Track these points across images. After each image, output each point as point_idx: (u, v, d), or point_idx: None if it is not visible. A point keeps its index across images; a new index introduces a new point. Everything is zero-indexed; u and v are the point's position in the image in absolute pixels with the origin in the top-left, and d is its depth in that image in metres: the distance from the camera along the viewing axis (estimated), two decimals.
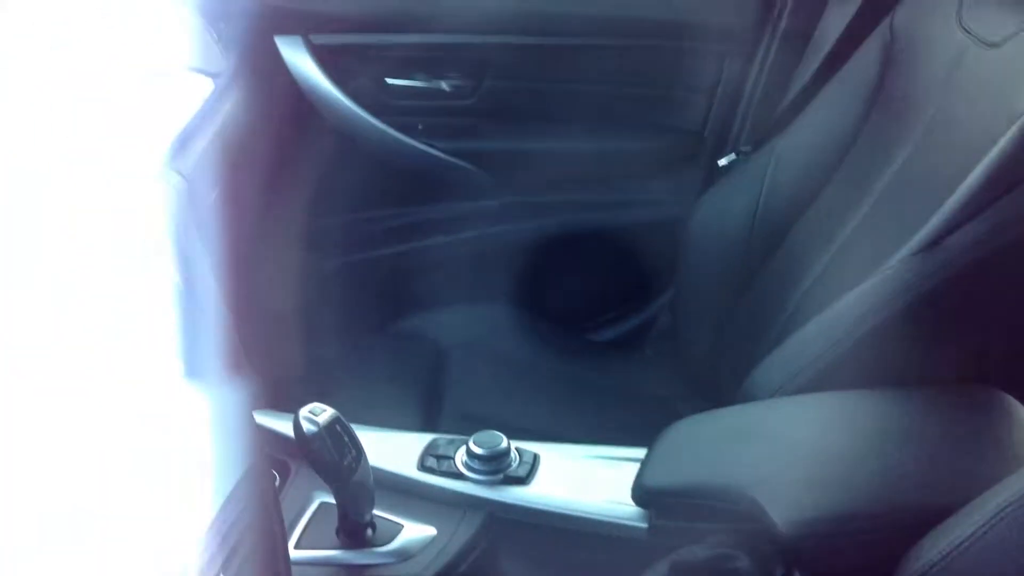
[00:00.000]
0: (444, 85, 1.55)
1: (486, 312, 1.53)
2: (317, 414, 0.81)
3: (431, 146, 1.53)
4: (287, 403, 0.82)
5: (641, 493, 0.87)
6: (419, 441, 0.99)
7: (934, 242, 0.93)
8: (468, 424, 1.14)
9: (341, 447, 0.81)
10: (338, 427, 0.81)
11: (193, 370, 0.62)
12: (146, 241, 0.80)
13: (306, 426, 0.80)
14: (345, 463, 0.81)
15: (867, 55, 1.26)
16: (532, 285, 1.59)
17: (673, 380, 1.52)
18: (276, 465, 0.97)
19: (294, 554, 0.88)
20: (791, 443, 0.87)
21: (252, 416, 0.68)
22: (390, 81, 1.53)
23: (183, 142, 1.10)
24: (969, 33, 1.06)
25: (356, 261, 1.57)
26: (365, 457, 0.83)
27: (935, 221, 0.94)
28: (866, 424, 0.88)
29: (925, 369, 0.96)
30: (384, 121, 1.50)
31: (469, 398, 1.34)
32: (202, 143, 1.14)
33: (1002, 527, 0.64)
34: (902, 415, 0.89)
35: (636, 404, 1.45)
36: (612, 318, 1.68)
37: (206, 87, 1.23)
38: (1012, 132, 0.90)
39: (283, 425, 0.95)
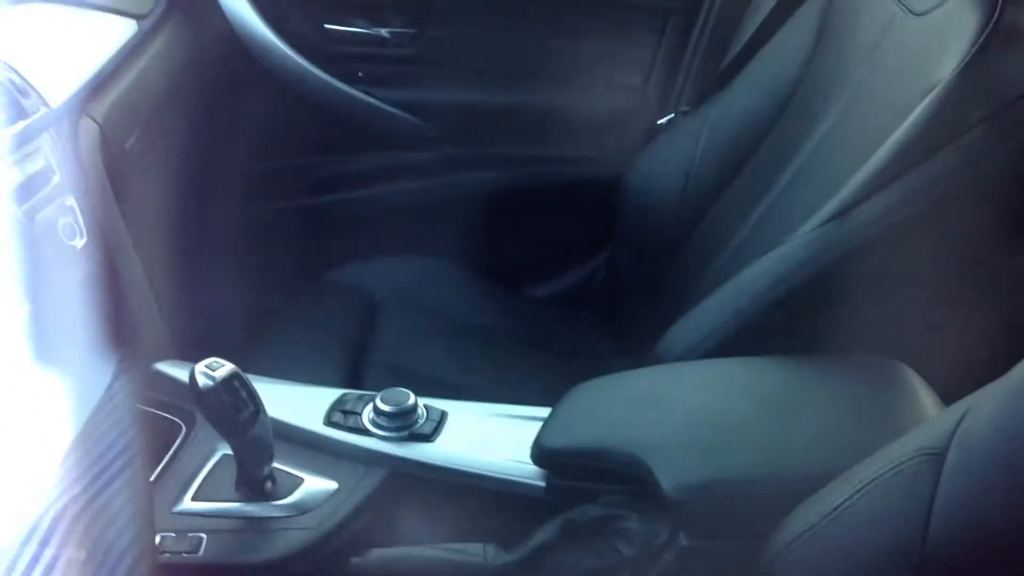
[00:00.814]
0: (385, 32, 1.53)
1: (422, 265, 1.52)
2: (214, 368, 0.80)
3: (371, 95, 1.51)
4: (210, 353, 0.82)
5: (539, 453, 0.88)
6: (329, 396, 0.99)
7: (844, 211, 0.93)
8: (393, 378, 1.15)
9: (238, 402, 0.80)
10: (236, 382, 0.80)
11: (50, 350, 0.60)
12: None
13: (201, 380, 0.79)
14: (241, 418, 0.81)
15: (805, 20, 1.25)
16: (470, 239, 1.58)
17: (608, 338, 1.53)
18: (181, 415, 0.97)
19: (192, 505, 0.88)
20: (686, 408, 0.87)
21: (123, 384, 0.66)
22: (329, 27, 1.50)
23: (98, 86, 1.07)
24: (900, 1, 1.05)
25: (290, 209, 1.56)
26: (264, 412, 0.83)
27: (847, 190, 0.94)
28: (760, 391, 0.89)
29: (830, 338, 0.97)
30: (323, 68, 1.48)
31: (398, 352, 1.33)
32: (120, 87, 1.11)
33: (872, 496, 0.66)
34: (797, 383, 0.90)
35: (570, 362, 1.45)
36: (550, 275, 1.67)
37: (129, 29, 1.19)
38: (925, 103, 0.90)
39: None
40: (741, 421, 0.85)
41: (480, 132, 1.57)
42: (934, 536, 0.60)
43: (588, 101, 1.59)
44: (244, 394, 0.81)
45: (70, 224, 0.92)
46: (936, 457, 0.61)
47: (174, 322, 1.08)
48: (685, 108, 1.50)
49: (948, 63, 0.89)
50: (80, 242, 0.93)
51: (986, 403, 0.60)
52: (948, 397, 0.67)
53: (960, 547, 0.58)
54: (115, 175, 1.05)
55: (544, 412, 0.93)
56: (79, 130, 1.01)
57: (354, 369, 1.29)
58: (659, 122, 1.51)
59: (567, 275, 1.67)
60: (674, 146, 1.39)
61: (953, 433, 0.61)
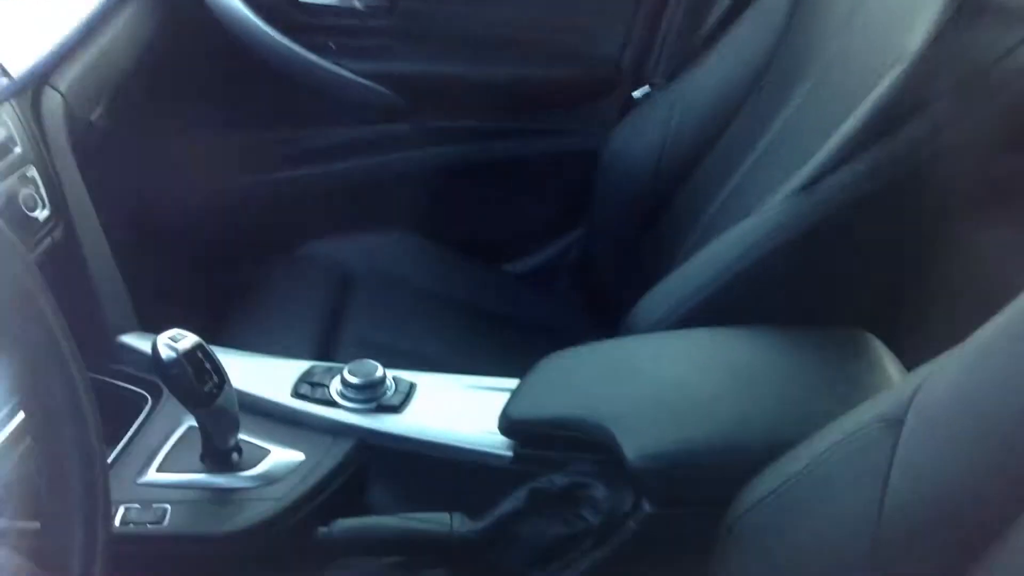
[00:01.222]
0: (357, 3, 1.51)
1: (395, 240, 1.51)
2: (177, 340, 0.80)
3: (343, 67, 1.50)
4: (180, 327, 0.81)
5: (506, 423, 0.88)
6: (297, 368, 0.98)
7: (813, 183, 0.93)
8: (364, 352, 1.14)
9: (202, 374, 0.80)
10: (199, 353, 0.80)
11: None
12: None
13: (164, 352, 0.79)
14: (206, 390, 0.80)
15: None
16: (444, 213, 1.57)
17: (582, 313, 1.53)
18: (146, 387, 0.96)
19: (157, 477, 0.87)
20: (652, 378, 0.88)
21: None
22: None
23: (63, 57, 1.06)
24: None
25: (261, 182, 1.54)
26: (229, 384, 0.82)
27: (816, 161, 0.94)
28: (727, 362, 0.89)
29: (799, 310, 0.97)
30: (294, 40, 1.46)
31: (369, 326, 1.32)
32: (85, 59, 1.10)
33: (831, 463, 0.66)
34: (764, 353, 0.90)
35: (544, 336, 1.45)
36: (525, 249, 1.67)
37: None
38: (894, 74, 0.90)
39: None
40: (707, 391, 0.85)
41: (454, 105, 1.56)
42: (891, 501, 0.60)
43: (563, 74, 1.59)
44: (208, 365, 0.81)
45: (31, 195, 0.91)
46: (894, 424, 0.61)
47: (142, 295, 1.07)
48: (660, 81, 1.49)
49: (917, 34, 0.88)
50: (42, 213, 0.92)
51: (943, 371, 0.60)
52: (914, 367, 0.67)
53: (917, 512, 0.59)
54: (80, 147, 1.04)
55: (513, 383, 0.93)
56: (42, 101, 1.00)
57: (325, 343, 1.28)
58: (634, 95, 1.50)
59: (542, 249, 1.66)
60: (649, 119, 1.38)
61: (911, 400, 0.61)
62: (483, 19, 1.55)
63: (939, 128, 0.88)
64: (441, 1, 1.54)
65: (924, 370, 0.63)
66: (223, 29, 1.41)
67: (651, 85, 1.51)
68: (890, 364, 0.87)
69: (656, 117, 1.35)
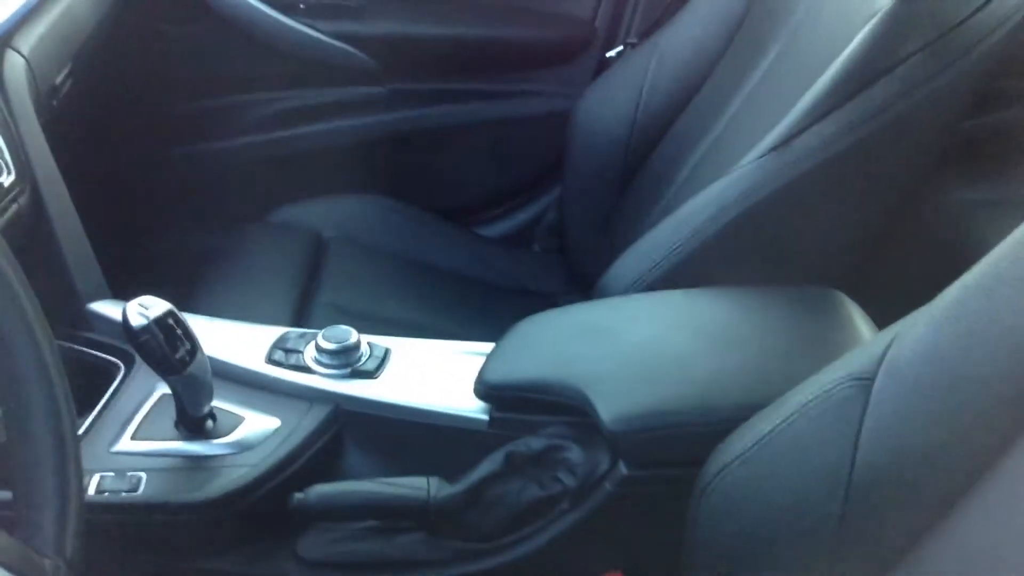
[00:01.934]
0: None
1: (369, 204, 1.50)
2: (148, 306, 0.79)
3: (314, 28, 1.48)
4: (152, 294, 0.80)
5: (482, 387, 0.88)
6: (271, 334, 0.98)
7: (784, 143, 0.93)
8: (340, 317, 1.13)
9: (173, 340, 0.79)
10: (170, 320, 0.79)
11: None
12: None
13: (134, 319, 0.78)
14: (177, 357, 0.80)
15: None
16: (418, 177, 1.57)
17: (559, 276, 1.53)
18: (119, 355, 0.95)
19: (131, 445, 0.87)
20: (627, 340, 0.88)
21: None
22: None
23: (24, 19, 1.03)
24: None
25: (232, 147, 1.52)
26: (201, 351, 0.82)
27: (787, 121, 0.94)
28: (700, 323, 0.89)
29: (771, 270, 0.98)
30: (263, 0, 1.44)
31: (344, 291, 1.32)
32: (47, 21, 1.07)
33: (802, 422, 0.67)
34: (737, 314, 0.90)
35: (519, 300, 1.45)
36: (501, 213, 1.66)
37: None
38: (864, 32, 0.90)
39: None
40: (681, 352, 0.85)
41: (426, 66, 1.54)
42: (862, 460, 0.61)
43: (537, 34, 1.57)
44: (180, 332, 0.80)
45: None
46: (864, 383, 0.62)
47: (113, 263, 1.06)
48: (634, 40, 1.48)
49: None
50: (7, 179, 0.90)
51: (913, 328, 0.61)
52: (885, 326, 0.68)
53: (887, 469, 0.60)
54: (44, 111, 1.02)
55: (488, 347, 0.93)
56: (4, 64, 0.98)
57: (300, 309, 1.27)
58: (608, 55, 1.49)
59: (516, 212, 1.66)
60: (623, 79, 1.37)
61: (881, 358, 0.61)
62: None
63: (909, 87, 0.88)
64: None
65: (894, 328, 0.63)
66: None
67: (625, 45, 1.50)
68: (862, 323, 0.87)
69: (630, 77, 1.35)
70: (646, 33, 1.43)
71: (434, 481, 0.86)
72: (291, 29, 1.46)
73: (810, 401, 0.66)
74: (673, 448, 0.80)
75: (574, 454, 0.84)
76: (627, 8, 1.53)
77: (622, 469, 0.81)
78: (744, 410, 0.73)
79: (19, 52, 1.00)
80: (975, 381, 0.54)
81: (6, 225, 0.87)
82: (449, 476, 0.87)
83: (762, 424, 0.69)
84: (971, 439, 0.55)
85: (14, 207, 0.90)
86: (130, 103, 1.28)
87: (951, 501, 0.55)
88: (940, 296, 0.60)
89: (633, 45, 1.47)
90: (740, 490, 0.69)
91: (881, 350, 0.62)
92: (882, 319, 0.87)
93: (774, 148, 0.93)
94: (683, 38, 1.30)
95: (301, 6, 1.48)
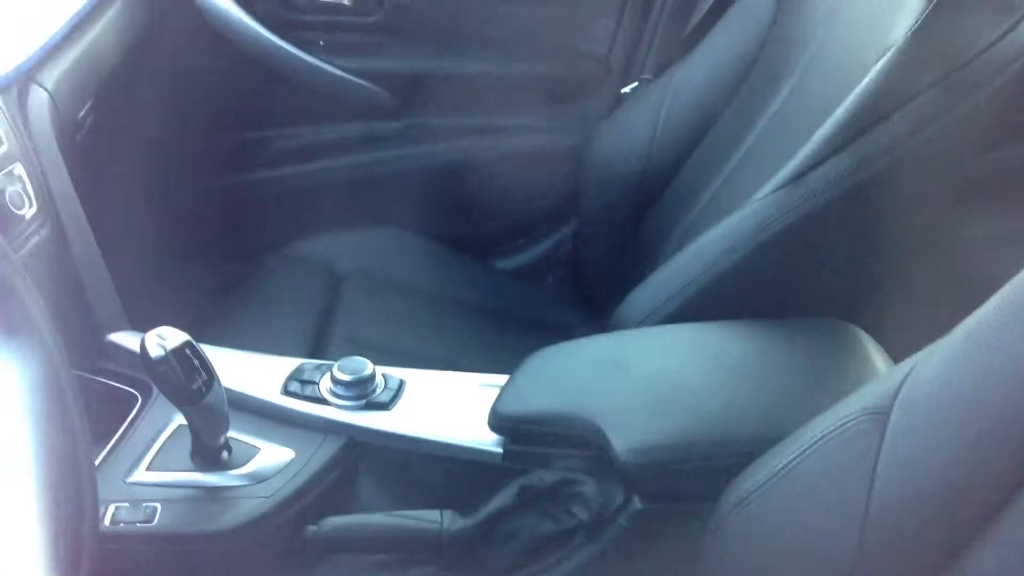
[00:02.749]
0: (347, 0, 1.51)
1: (385, 237, 1.51)
2: (166, 337, 0.79)
3: (332, 64, 1.49)
4: (170, 325, 0.81)
5: (496, 419, 0.88)
6: (288, 365, 0.98)
7: (798, 177, 0.93)
8: (355, 350, 1.14)
9: (190, 371, 0.80)
10: (187, 350, 0.80)
11: None
12: None
13: (153, 349, 0.78)
14: (194, 387, 0.80)
15: None
16: (435, 210, 1.58)
17: (573, 309, 1.53)
18: (136, 386, 0.96)
19: (146, 476, 0.87)
20: (641, 373, 0.88)
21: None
22: None
23: (49, 54, 1.05)
24: None
25: (251, 181, 1.54)
26: (218, 382, 0.82)
27: (802, 155, 0.94)
28: (715, 356, 0.89)
29: (786, 303, 0.97)
30: (283, 37, 1.46)
31: (361, 324, 1.32)
32: (71, 56, 1.09)
33: (817, 456, 0.66)
34: (752, 347, 0.90)
35: (535, 333, 1.45)
36: (517, 246, 1.67)
37: None
38: (879, 66, 0.90)
39: None
40: (696, 385, 0.85)
41: (443, 102, 1.56)
42: (879, 494, 0.60)
43: (552, 70, 1.59)
44: (196, 363, 0.80)
45: (18, 193, 0.90)
46: (880, 416, 0.61)
47: (132, 294, 1.07)
48: (649, 76, 1.50)
49: (900, 27, 0.88)
50: (29, 211, 0.92)
51: (929, 362, 0.60)
52: (900, 360, 0.67)
53: (904, 504, 0.59)
54: (67, 144, 1.04)
55: (502, 379, 0.93)
56: (28, 98, 1.00)
57: (315, 342, 1.28)
58: (623, 90, 1.50)
59: (532, 246, 1.67)
60: (637, 114, 1.38)
61: (896, 392, 0.61)
62: (472, 16, 1.54)
63: (923, 122, 0.88)
64: None
65: (910, 362, 0.63)
66: (211, 26, 1.41)
67: (639, 80, 1.51)
68: (877, 356, 0.87)
69: (644, 113, 1.36)
70: (660, 69, 1.44)
71: (447, 514, 0.86)
72: (311, 65, 1.48)
73: (825, 435, 0.65)
74: (687, 481, 0.79)
75: (588, 488, 0.83)
76: (642, 44, 1.54)
77: (636, 503, 0.81)
78: (759, 444, 0.72)
79: (43, 87, 1.02)
80: (991, 414, 0.54)
81: (28, 256, 0.88)
82: (463, 508, 0.86)
83: (777, 458, 0.68)
84: (989, 472, 0.54)
85: (36, 239, 0.92)
86: (151, 137, 1.30)
87: (969, 536, 0.55)
88: (955, 329, 0.60)
89: (648, 81, 1.48)
90: (755, 525, 0.68)
91: (897, 384, 0.61)
92: (896, 352, 0.87)
93: (788, 182, 0.94)
94: (697, 74, 1.31)
95: (321, 43, 1.50)
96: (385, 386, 0.95)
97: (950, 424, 0.57)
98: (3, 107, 0.95)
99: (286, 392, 0.95)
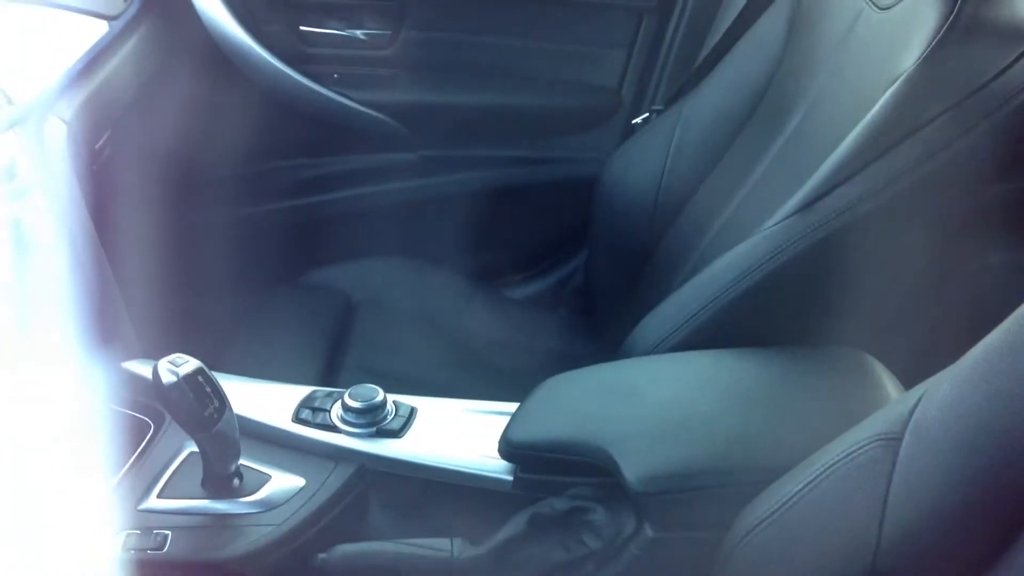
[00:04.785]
0: (360, 34, 1.53)
1: (400, 267, 1.52)
2: (178, 364, 0.80)
3: (346, 96, 1.51)
4: (185, 353, 0.82)
5: (506, 447, 0.88)
6: (299, 393, 0.99)
7: (807, 205, 0.93)
8: (367, 378, 1.14)
9: (202, 398, 0.80)
10: (200, 378, 0.80)
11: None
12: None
13: (165, 376, 0.79)
14: (206, 414, 0.81)
15: (775, 16, 1.26)
16: (447, 241, 1.58)
17: (585, 338, 1.53)
18: (150, 413, 0.97)
19: (158, 503, 0.87)
20: (652, 401, 0.88)
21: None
22: (304, 28, 1.50)
23: (67, 86, 1.07)
24: None
25: (266, 212, 1.55)
26: (230, 409, 0.83)
27: (812, 183, 0.94)
28: (726, 384, 0.89)
29: (796, 331, 0.97)
30: (298, 70, 1.48)
31: (374, 353, 1.33)
32: (89, 88, 1.11)
33: (829, 482, 0.66)
34: (763, 375, 0.90)
35: (546, 361, 1.45)
36: (529, 275, 1.68)
37: (100, 30, 1.19)
38: (887, 96, 0.90)
39: None
40: (706, 413, 0.85)
41: (456, 134, 1.57)
42: (891, 520, 0.60)
43: (564, 101, 1.60)
44: (208, 390, 0.81)
45: (35, 222, 0.91)
46: (892, 442, 0.61)
47: (148, 322, 1.08)
48: (660, 107, 1.51)
49: (910, 56, 0.89)
50: (46, 241, 0.93)
51: (940, 388, 0.60)
52: (912, 385, 0.67)
53: (917, 530, 0.59)
54: (84, 175, 1.05)
55: (512, 407, 0.93)
56: (46, 129, 1.01)
57: (328, 370, 1.29)
58: (634, 121, 1.51)
59: (545, 276, 1.68)
60: (649, 145, 1.39)
61: (908, 418, 0.61)
62: (484, 48, 1.56)
63: (933, 150, 0.88)
64: (443, 30, 1.55)
65: (921, 388, 0.63)
66: (227, 59, 1.43)
67: (650, 112, 1.52)
68: (888, 383, 0.87)
69: (656, 143, 1.36)
70: (671, 100, 1.45)
71: (458, 542, 0.86)
72: (325, 98, 1.50)
73: (837, 461, 0.65)
74: (698, 509, 0.79)
75: (599, 516, 0.83)
76: (653, 76, 1.55)
77: (648, 531, 0.80)
78: (770, 471, 0.72)
79: (61, 118, 1.04)
80: (1003, 438, 0.54)
81: (44, 285, 0.89)
82: (473, 536, 0.86)
83: (789, 485, 0.68)
84: (1001, 498, 0.54)
85: (52, 268, 0.93)
86: (167, 168, 1.31)
87: (983, 562, 0.54)
88: (966, 355, 0.59)
89: (659, 112, 1.49)
90: (766, 552, 0.68)
91: (908, 409, 0.61)
92: (908, 379, 0.87)
93: (798, 210, 0.94)
94: (708, 104, 1.32)
95: (335, 76, 1.52)
96: (396, 413, 0.95)
97: (962, 448, 0.57)
98: (22, 138, 0.96)
99: (297, 419, 0.95)
